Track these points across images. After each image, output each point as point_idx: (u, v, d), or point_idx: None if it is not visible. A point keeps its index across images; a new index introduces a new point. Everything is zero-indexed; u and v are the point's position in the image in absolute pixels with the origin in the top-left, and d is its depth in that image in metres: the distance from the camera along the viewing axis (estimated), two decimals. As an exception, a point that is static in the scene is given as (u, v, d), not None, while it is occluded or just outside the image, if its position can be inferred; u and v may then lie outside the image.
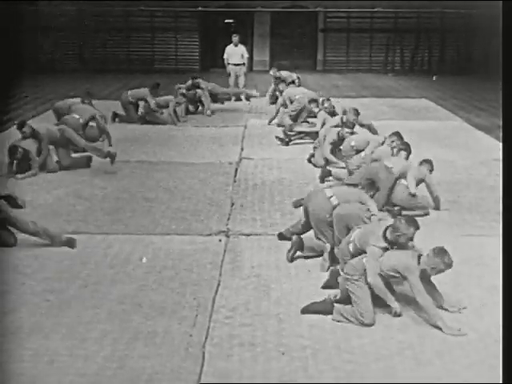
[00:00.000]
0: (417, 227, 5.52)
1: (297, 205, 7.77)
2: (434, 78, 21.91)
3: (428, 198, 8.12)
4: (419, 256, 5.35)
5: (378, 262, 5.42)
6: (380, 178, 7.96)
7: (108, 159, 9.82)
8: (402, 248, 5.49)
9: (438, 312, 5.27)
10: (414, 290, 5.27)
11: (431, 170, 8.16)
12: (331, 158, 10.04)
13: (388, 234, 5.53)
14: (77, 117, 11.08)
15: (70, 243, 6.87)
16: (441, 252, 5.29)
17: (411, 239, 5.51)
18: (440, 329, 5.16)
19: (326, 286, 5.89)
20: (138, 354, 4.86)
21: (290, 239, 6.75)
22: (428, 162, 8.22)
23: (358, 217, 6.31)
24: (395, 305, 5.40)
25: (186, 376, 4.59)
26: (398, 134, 8.97)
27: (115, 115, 13.72)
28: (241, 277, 6.20)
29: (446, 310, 5.49)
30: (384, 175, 8.02)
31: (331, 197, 6.57)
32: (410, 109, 16.02)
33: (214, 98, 15.12)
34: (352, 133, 9.93)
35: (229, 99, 16.09)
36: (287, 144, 11.79)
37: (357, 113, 10.42)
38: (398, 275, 5.35)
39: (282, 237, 7.04)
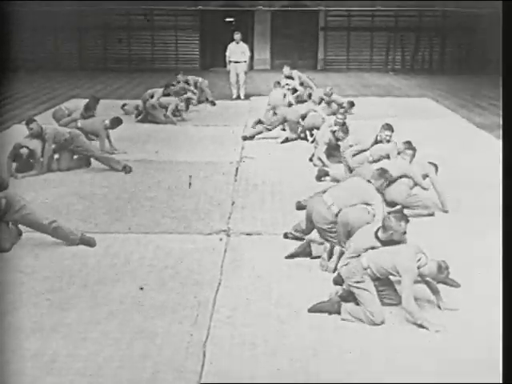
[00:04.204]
0: (407, 220, 5.48)
1: (299, 207, 7.74)
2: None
3: (433, 199, 7.97)
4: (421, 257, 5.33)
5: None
6: None
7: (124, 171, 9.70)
8: (399, 243, 5.45)
9: (422, 315, 5.23)
10: (403, 293, 5.24)
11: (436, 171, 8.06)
12: (323, 158, 10.07)
13: (380, 235, 5.52)
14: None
15: (89, 242, 6.84)
16: (446, 269, 5.31)
17: (404, 233, 5.47)
18: (426, 328, 5.16)
19: (336, 282, 5.86)
20: (138, 353, 4.85)
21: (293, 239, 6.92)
22: (434, 165, 8.12)
23: (359, 227, 6.32)
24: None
25: (187, 375, 4.58)
26: (389, 127, 9.06)
27: (138, 113, 13.89)
28: (242, 276, 6.19)
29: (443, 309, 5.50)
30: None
31: (332, 205, 6.52)
32: (410, 107, 16.01)
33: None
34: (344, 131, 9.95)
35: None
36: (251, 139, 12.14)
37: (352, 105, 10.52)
38: (396, 274, 5.31)
39: (286, 237, 7.06)
